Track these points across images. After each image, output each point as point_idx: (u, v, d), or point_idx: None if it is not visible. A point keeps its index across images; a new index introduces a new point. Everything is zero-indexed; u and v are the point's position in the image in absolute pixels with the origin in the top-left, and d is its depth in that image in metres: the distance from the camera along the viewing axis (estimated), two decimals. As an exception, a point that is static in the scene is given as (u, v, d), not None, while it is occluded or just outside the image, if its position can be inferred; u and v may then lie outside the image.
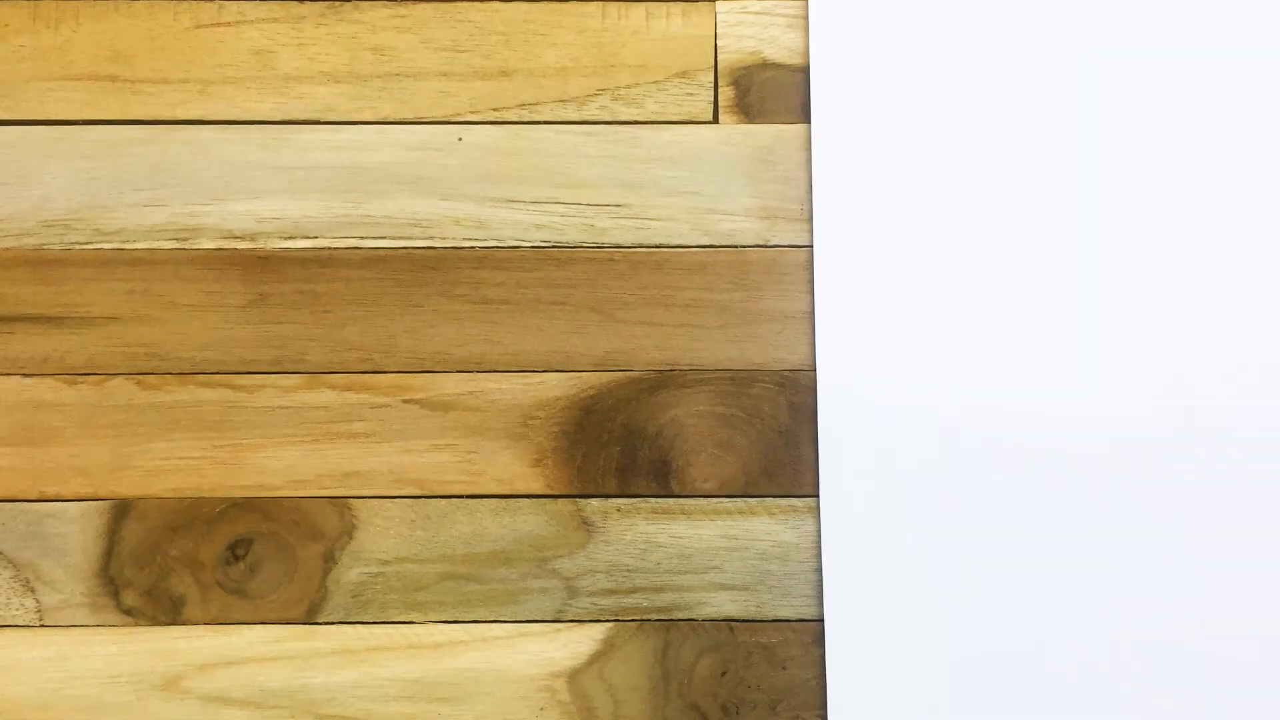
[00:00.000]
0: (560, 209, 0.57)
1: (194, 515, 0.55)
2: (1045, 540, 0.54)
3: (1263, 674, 0.53)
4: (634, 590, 0.55)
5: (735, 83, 0.58)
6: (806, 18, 0.57)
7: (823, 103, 0.56)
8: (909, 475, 0.54)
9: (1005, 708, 0.53)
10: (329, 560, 0.55)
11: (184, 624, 0.55)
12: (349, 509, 0.55)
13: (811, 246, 0.56)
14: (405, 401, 0.56)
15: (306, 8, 0.57)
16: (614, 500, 0.56)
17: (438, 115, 0.57)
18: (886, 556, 0.54)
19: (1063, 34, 0.57)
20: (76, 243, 0.56)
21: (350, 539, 0.55)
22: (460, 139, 0.57)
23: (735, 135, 0.57)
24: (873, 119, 0.56)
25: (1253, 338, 0.55)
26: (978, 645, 0.54)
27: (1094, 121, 0.56)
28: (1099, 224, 0.56)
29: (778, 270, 0.56)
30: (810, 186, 0.56)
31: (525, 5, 0.57)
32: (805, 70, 0.57)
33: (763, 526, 0.55)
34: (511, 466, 0.55)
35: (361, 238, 0.56)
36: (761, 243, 0.57)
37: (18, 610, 0.54)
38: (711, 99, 0.58)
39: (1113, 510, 0.54)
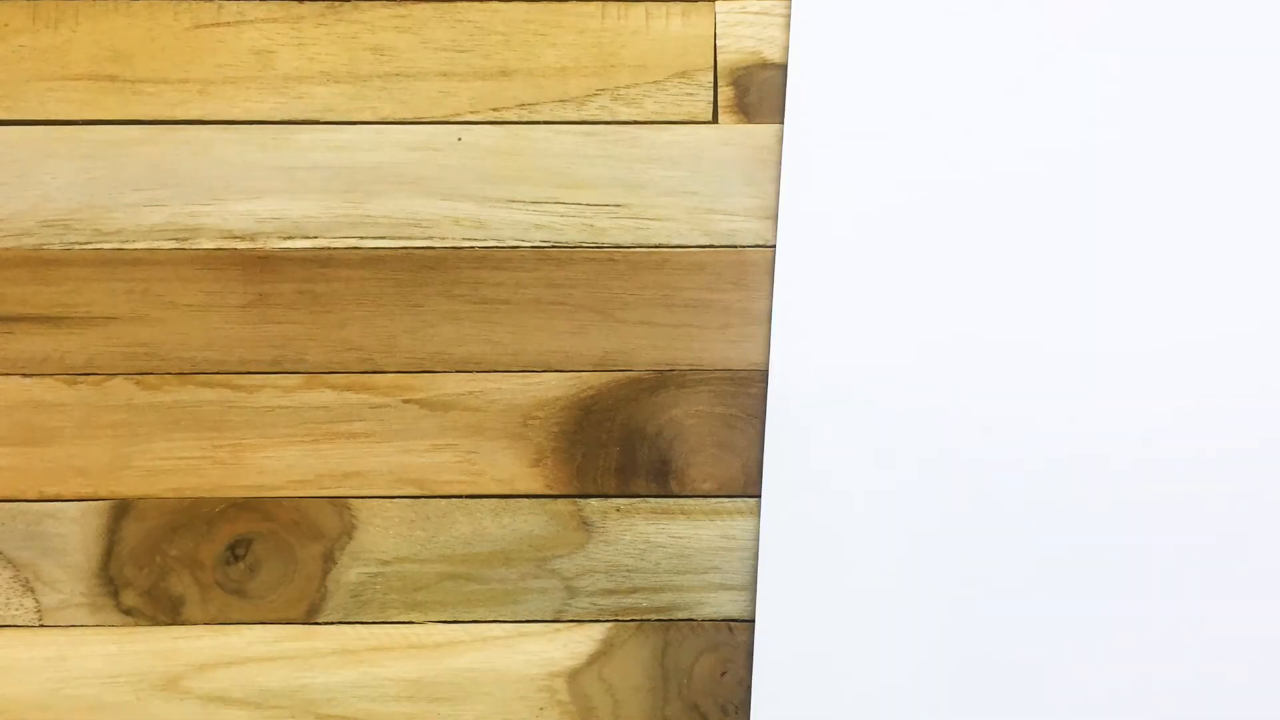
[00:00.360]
0: (560, 209, 0.57)
1: (194, 515, 0.55)
2: (1012, 545, 0.54)
3: (1224, 680, 0.53)
4: (634, 590, 0.55)
5: (735, 83, 0.58)
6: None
7: (797, 104, 0.56)
8: (857, 477, 0.54)
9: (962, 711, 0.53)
10: (329, 560, 0.55)
11: (184, 624, 0.54)
12: (349, 509, 0.55)
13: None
14: (405, 401, 0.56)
15: (306, 8, 0.57)
16: (614, 500, 0.56)
17: (438, 115, 0.57)
18: (827, 558, 0.54)
19: (1037, 40, 0.56)
20: (76, 243, 0.56)
21: (350, 539, 0.55)
22: (460, 139, 0.57)
23: (735, 135, 0.57)
24: (846, 121, 0.56)
25: (1225, 337, 0.55)
26: (917, 648, 0.53)
27: (1072, 126, 0.56)
28: (1077, 229, 0.56)
29: (777, 270, 0.56)
30: (779, 186, 0.56)
31: (525, 5, 0.57)
32: (805, 70, 0.57)
33: (762, 526, 0.55)
34: (511, 466, 0.55)
35: (361, 238, 0.56)
36: (761, 243, 0.57)
37: (17, 610, 0.54)
38: (711, 99, 0.58)
39: (1082, 517, 0.54)
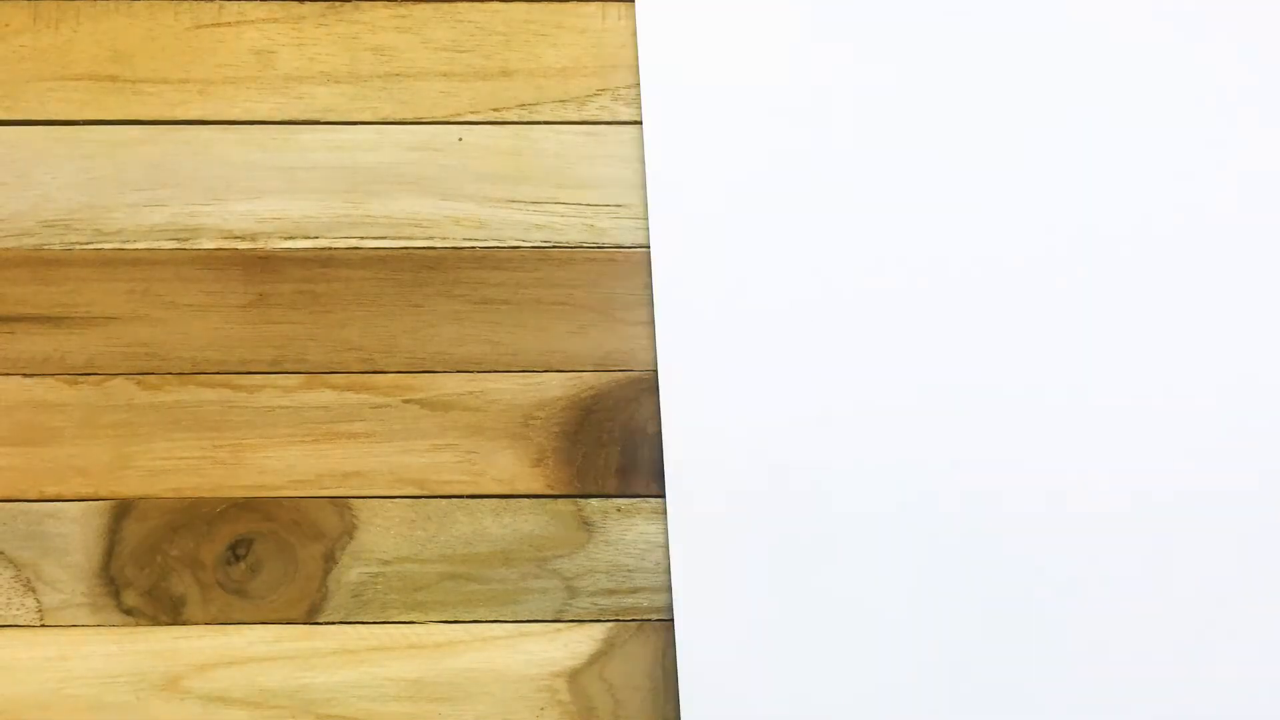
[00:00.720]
0: (560, 209, 0.57)
1: (194, 515, 0.55)
2: (888, 539, 0.54)
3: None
4: (634, 590, 0.55)
5: (735, 82, 0.57)
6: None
7: (654, 102, 0.55)
8: (756, 474, 0.54)
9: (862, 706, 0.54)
10: (329, 560, 0.55)
11: (184, 624, 0.55)
12: (349, 509, 0.55)
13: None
14: (405, 401, 0.56)
15: (306, 8, 0.57)
16: (614, 500, 0.56)
17: (438, 115, 0.57)
18: (735, 555, 0.54)
19: (898, 31, 0.56)
20: (76, 243, 0.56)
21: (350, 539, 0.55)
22: (460, 139, 0.57)
23: (735, 135, 0.57)
24: (708, 117, 0.55)
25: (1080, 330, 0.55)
26: (821, 641, 0.54)
27: (942, 120, 0.55)
28: (944, 226, 0.55)
29: (778, 270, 0.56)
30: (645, 185, 0.56)
31: (525, 5, 0.57)
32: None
33: (763, 526, 0.55)
34: (511, 466, 0.55)
35: (361, 238, 0.56)
36: (762, 243, 0.57)
37: (18, 610, 0.54)
38: (712, 99, 0.57)
39: (957, 510, 0.54)
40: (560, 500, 0.55)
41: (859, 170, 0.55)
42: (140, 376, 0.56)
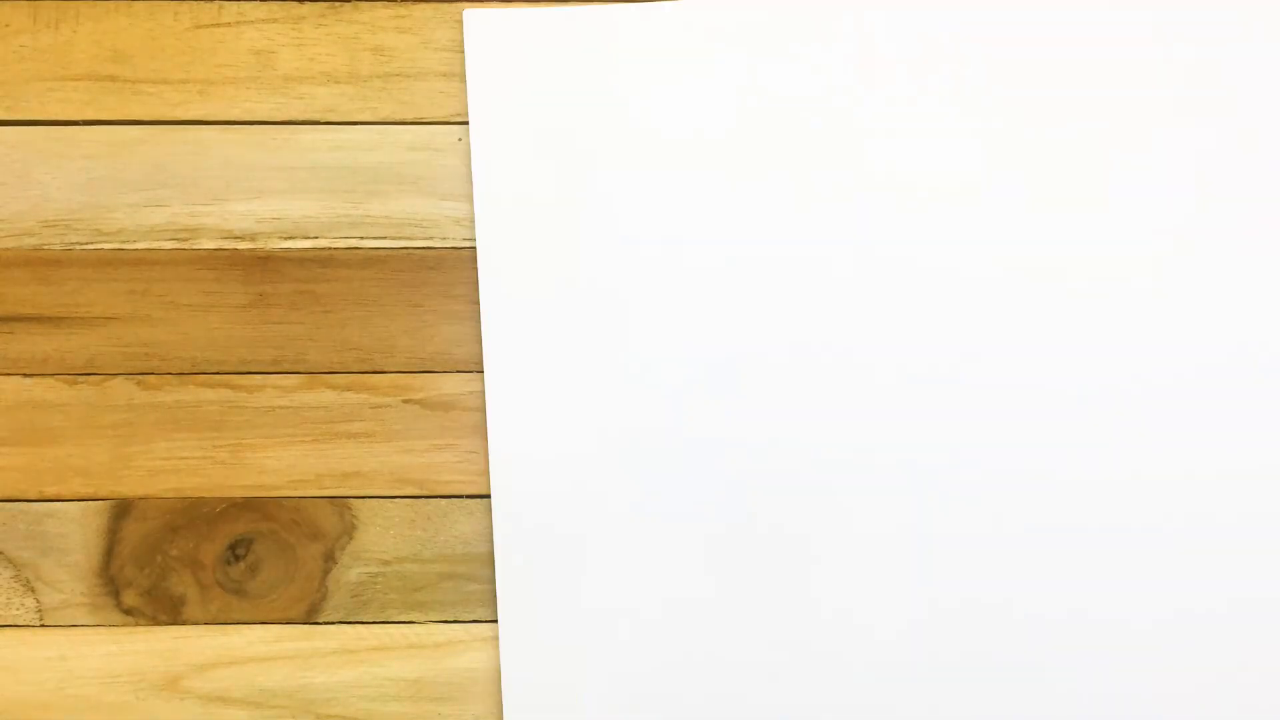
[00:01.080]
0: (560, 209, 0.57)
1: (194, 515, 0.55)
2: (718, 541, 0.54)
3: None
4: (634, 590, 0.55)
5: (735, 83, 0.57)
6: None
7: (480, 107, 0.56)
8: (582, 475, 0.54)
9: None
10: (329, 560, 0.55)
11: (184, 624, 0.55)
12: (349, 509, 0.55)
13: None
14: (405, 401, 0.56)
15: (306, 8, 0.57)
16: (614, 500, 0.55)
17: (438, 115, 0.57)
18: (561, 556, 0.54)
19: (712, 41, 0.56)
20: (76, 243, 0.56)
21: (350, 539, 0.55)
22: (460, 139, 0.57)
23: (735, 135, 0.57)
24: (532, 124, 0.55)
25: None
26: (660, 650, 0.53)
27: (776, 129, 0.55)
28: (804, 239, 0.55)
29: (778, 270, 0.56)
30: (471, 187, 0.56)
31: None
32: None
33: (763, 526, 0.55)
34: (511, 466, 0.55)
35: (361, 238, 0.56)
36: (761, 243, 0.57)
37: (18, 610, 0.54)
38: (711, 99, 0.57)
39: (791, 509, 0.53)
40: (560, 500, 0.55)
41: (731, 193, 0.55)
42: (140, 376, 0.56)
